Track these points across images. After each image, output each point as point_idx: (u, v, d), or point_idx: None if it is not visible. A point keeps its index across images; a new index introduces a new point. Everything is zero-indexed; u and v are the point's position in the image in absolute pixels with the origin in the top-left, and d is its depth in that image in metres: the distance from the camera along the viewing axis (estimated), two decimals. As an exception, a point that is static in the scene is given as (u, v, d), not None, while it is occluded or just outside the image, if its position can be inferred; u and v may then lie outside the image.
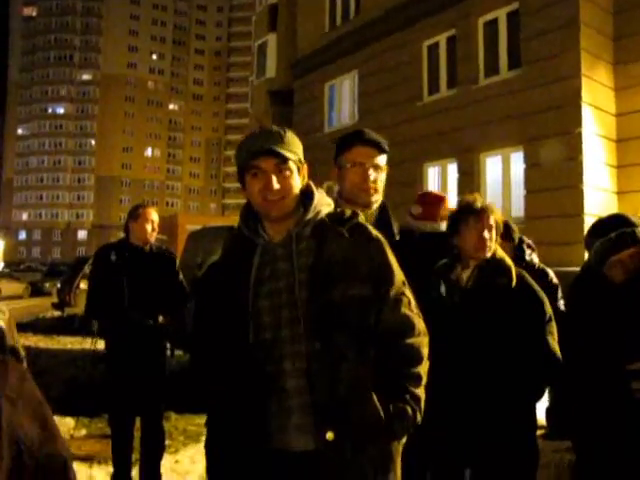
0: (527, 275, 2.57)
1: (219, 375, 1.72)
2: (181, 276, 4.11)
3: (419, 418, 1.66)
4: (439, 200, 3.00)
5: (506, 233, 3.19)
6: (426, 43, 12.23)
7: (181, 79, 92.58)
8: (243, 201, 1.82)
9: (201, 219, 18.10)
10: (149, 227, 3.89)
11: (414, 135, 11.81)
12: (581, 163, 9.18)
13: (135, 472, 3.93)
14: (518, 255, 3.71)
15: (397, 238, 2.09)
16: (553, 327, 2.46)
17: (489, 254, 2.50)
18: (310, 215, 1.72)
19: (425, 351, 1.71)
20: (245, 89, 69.54)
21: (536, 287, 2.52)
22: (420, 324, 1.73)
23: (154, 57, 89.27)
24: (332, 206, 1.80)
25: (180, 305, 4.00)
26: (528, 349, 2.38)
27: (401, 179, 10.65)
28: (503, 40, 10.76)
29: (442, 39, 11.95)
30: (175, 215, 20.44)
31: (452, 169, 11.47)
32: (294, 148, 1.71)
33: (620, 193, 9.70)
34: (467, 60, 11.20)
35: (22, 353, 2.21)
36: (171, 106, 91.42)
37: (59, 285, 17.16)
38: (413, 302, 1.74)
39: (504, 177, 10.54)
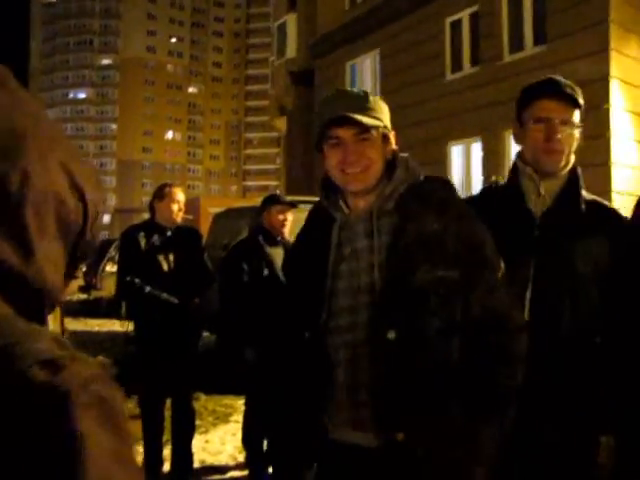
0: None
1: (280, 357, 1.63)
2: (206, 256, 4.11)
3: (507, 426, 1.43)
4: None
5: None
6: (449, 20, 11.99)
7: (200, 62, 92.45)
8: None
9: (223, 201, 18.11)
10: (175, 207, 3.84)
11: (437, 114, 11.63)
12: (609, 140, 8.97)
13: (167, 452, 3.98)
14: None
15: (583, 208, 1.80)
16: None
17: None
18: (393, 188, 1.53)
19: (520, 348, 1.46)
20: (264, 70, 69.18)
21: None
22: (517, 316, 1.50)
23: (173, 40, 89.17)
24: (420, 177, 1.58)
25: (207, 285, 4.01)
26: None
27: (425, 159, 10.53)
28: (528, 15, 10.48)
29: (465, 15, 11.68)
30: (197, 198, 20.47)
31: (476, 148, 11.30)
32: (378, 114, 1.50)
33: (650, 170, 9.47)
34: (491, 36, 10.96)
35: (66, 334, 2.24)
36: (190, 89, 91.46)
37: (85, 268, 17.39)
38: (507, 289, 1.50)
39: (530, 155, 10.35)
